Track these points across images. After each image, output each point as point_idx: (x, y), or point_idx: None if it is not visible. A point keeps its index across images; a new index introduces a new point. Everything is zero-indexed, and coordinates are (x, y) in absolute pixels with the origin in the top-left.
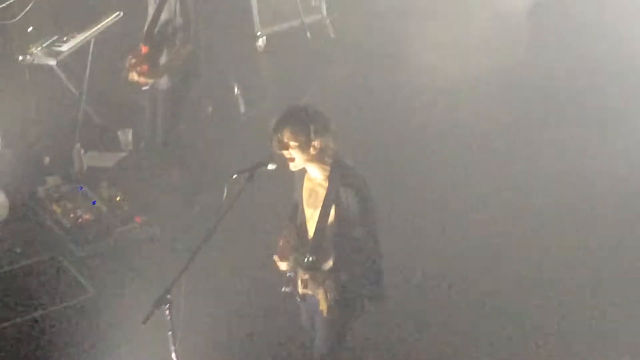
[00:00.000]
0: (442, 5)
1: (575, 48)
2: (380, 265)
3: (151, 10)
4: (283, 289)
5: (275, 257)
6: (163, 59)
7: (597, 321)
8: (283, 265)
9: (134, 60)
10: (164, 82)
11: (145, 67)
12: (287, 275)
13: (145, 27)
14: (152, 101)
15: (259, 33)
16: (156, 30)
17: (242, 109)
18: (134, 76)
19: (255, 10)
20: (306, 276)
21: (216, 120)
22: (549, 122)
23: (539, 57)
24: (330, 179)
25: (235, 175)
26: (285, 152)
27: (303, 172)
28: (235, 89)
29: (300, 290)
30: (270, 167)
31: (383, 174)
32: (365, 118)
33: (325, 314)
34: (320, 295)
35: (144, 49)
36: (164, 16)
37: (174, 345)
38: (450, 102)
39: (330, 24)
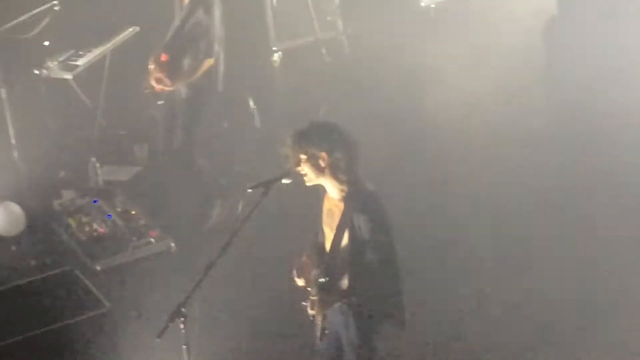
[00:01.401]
0: (458, 20)
1: (592, 63)
2: (398, 291)
3: (177, 19)
4: (303, 303)
5: (294, 272)
6: (183, 69)
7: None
8: (300, 282)
9: (153, 67)
10: (183, 91)
11: (163, 75)
12: (307, 289)
13: (169, 35)
14: (170, 111)
15: (274, 48)
16: (179, 39)
17: (258, 123)
18: (152, 82)
19: (270, 26)
20: (315, 297)
21: (232, 135)
22: (565, 137)
23: (556, 73)
24: (345, 201)
25: (250, 190)
26: (296, 167)
27: (323, 190)
28: (251, 104)
29: (309, 310)
30: (285, 181)
31: (399, 188)
32: (381, 133)
33: (319, 338)
34: (318, 319)
35: (164, 57)
36: (188, 27)
37: (189, 358)
38: (467, 117)
39: (345, 40)
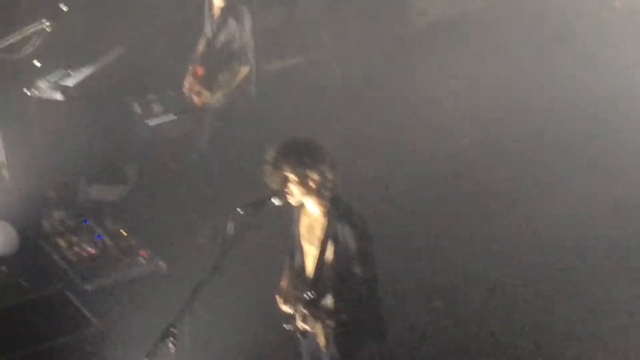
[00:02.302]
0: (449, 43)
1: (584, 82)
2: (379, 303)
3: (208, 31)
4: (285, 326)
5: (278, 298)
6: (220, 80)
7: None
8: (285, 307)
9: (190, 81)
10: (219, 99)
11: (202, 88)
12: (289, 312)
13: (202, 48)
14: (201, 116)
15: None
16: (213, 51)
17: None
18: (191, 97)
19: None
20: (305, 311)
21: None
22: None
23: (547, 94)
24: (328, 215)
25: (240, 210)
26: (284, 187)
27: (300, 206)
28: None
29: (300, 325)
30: (276, 202)
31: (384, 207)
32: (370, 152)
33: (323, 348)
34: (318, 329)
35: (201, 70)
36: (221, 38)
37: None
38: (459, 137)
39: (335, 61)
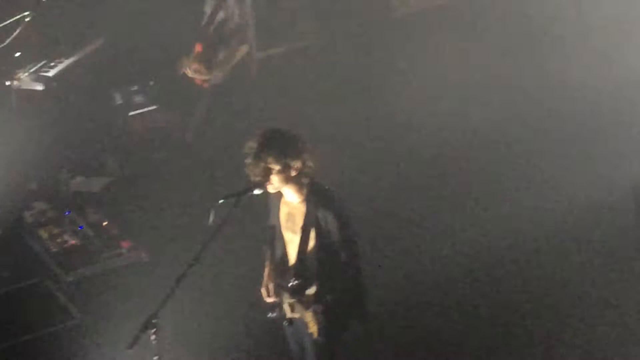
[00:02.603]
0: (432, 29)
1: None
2: (362, 284)
3: (208, 9)
4: (269, 315)
5: (263, 291)
6: (219, 57)
7: None
8: (270, 299)
9: (188, 58)
10: (218, 77)
11: (200, 65)
12: (272, 300)
13: (202, 25)
14: (205, 97)
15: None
16: (212, 29)
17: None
18: (188, 73)
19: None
20: (292, 300)
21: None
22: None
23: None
24: (307, 202)
25: (221, 201)
26: (265, 178)
27: (279, 195)
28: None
29: (288, 314)
30: (257, 192)
31: (366, 195)
32: (353, 144)
33: (315, 336)
34: (309, 318)
35: (199, 47)
36: (220, 16)
37: None
38: (440, 123)
39: (320, 50)
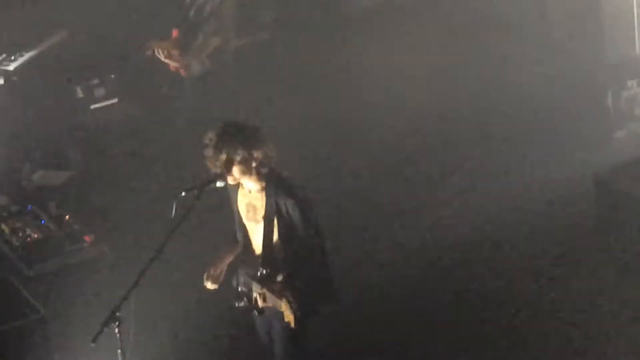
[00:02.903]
0: (390, 22)
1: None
2: (329, 268)
3: None
4: (237, 305)
5: (205, 276)
6: (193, 45)
7: None
8: (210, 285)
9: (164, 42)
10: (196, 69)
11: (173, 51)
12: (240, 290)
13: (182, 13)
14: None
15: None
16: (190, 15)
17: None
18: (160, 57)
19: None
20: (263, 290)
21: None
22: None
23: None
24: (266, 191)
25: (183, 193)
26: (226, 169)
27: (236, 186)
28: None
29: (260, 304)
30: (219, 184)
31: (330, 185)
32: (313, 132)
33: (292, 324)
34: (284, 307)
35: (175, 32)
36: (198, 4)
37: None
38: (400, 117)
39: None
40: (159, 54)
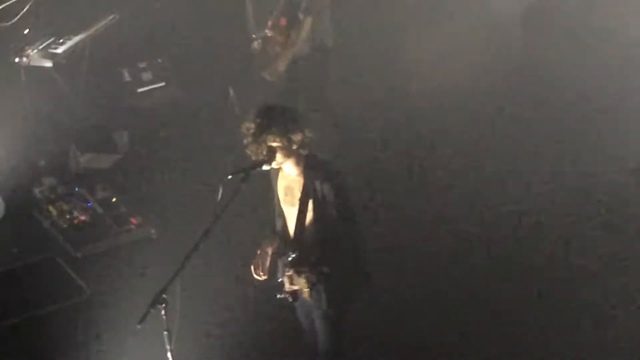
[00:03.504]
0: (438, 10)
1: (570, 51)
2: (361, 254)
3: None
4: (277, 296)
5: (252, 268)
6: (301, 29)
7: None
8: (257, 276)
9: (272, 33)
10: (304, 50)
11: (284, 39)
12: (279, 280)
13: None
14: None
15: (254, 35)
16: (292, 1)
17: (237, 111)
18: (274, 48)
19: (250, 13)
20: (290, 272)
21: (212, 122)
22: (543, 125)
23: (534, 61)
24: (305, 174)
25: (230, 176)
26: (269, 155)
27: (277, 170)
28: (230, 91)
29: (287, 287)
30: (265, 167)
31: (375, 175)
32: (363, 120)
33: (308, 298)
34: (302, 283)
35: (284, 21)
36: None
37: (170, 345)
38: (446, 107)
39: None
40: (274, 47)
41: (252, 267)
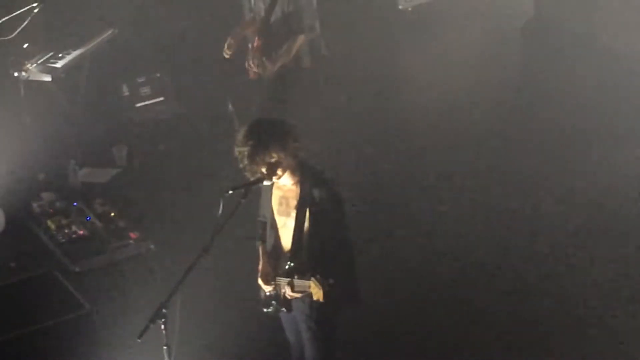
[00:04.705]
0: (436, 22)
1: (569, 63)
2: (355, 266)
3: (260, 3)
4: (264, 310)
5: (260, 281)
6: (280, 50)
7: None
8: (267, 288)
9: (251, 53)
10: (275, 70)
11: (261, 60)
12: (267, 294)
13: (260, 19)
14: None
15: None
16: (272, 21)
17: (236, 125)
18: (251, 68)
19: None
20: (290, 278)
21: (211, 137)
22: (542, 137)
23: (533, 73)
24: (301, 182)
25: (230, 192)
26: (272, 171)
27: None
28: (229, 106)
29: (289, 293)
30: (267, 183)
31: (374, 189)
32: (357, 134)
33: (322, 299)
34: (312, 285)
35: (258, 42)
36: (278, 7)
37: (169, 359)
38: (443, 117)
39: (323, 42)
40: (250, 65)
41: (260, 282)
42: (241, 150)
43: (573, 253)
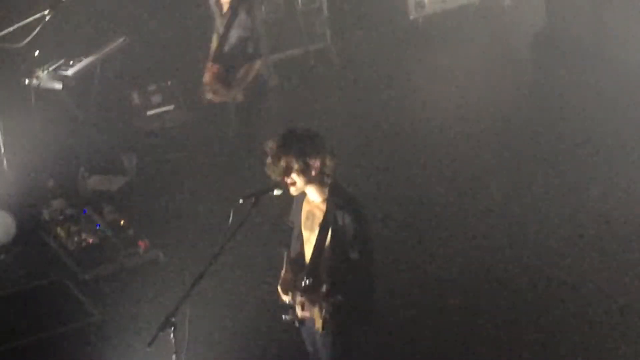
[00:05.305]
0: (446, 33)
1: (579, 73)
2: (373, 287)
3: (219, 27)
4: (283, 317)
5: (279, 289)
6: (237, 75)
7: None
8: (286, 298)
9: (207, 80)
10: (235, 95)
11: (219, 86)
12: (288, 302)
13: (214, 45)
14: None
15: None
16: (227, 47)
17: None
18: (208, 94)
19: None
20: (303, 298)
21: (221, 145)
22: (551, 155)
23: (543, 84)
24: (327, 202)
25: (241, 201)
26: (286, 178)
27: (303, 195)
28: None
29: (299, 313)
30: (277, 192)
31: (382, 199)
32: (366, 145)
33: (321, 330)
34: (315, 312)
35: (215, 68)
36: (233, 33)
37: None
38: (451, 134)
39: (334, 52)
40: (207, 93)
41: (279, 289)
42: (271, 145)
43: (581, 257)
